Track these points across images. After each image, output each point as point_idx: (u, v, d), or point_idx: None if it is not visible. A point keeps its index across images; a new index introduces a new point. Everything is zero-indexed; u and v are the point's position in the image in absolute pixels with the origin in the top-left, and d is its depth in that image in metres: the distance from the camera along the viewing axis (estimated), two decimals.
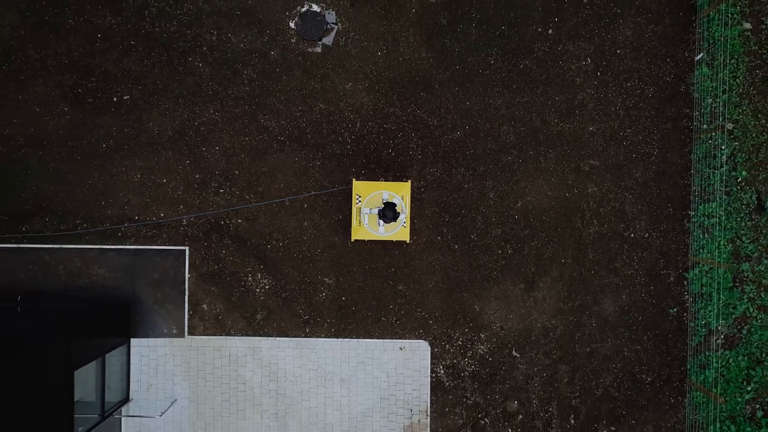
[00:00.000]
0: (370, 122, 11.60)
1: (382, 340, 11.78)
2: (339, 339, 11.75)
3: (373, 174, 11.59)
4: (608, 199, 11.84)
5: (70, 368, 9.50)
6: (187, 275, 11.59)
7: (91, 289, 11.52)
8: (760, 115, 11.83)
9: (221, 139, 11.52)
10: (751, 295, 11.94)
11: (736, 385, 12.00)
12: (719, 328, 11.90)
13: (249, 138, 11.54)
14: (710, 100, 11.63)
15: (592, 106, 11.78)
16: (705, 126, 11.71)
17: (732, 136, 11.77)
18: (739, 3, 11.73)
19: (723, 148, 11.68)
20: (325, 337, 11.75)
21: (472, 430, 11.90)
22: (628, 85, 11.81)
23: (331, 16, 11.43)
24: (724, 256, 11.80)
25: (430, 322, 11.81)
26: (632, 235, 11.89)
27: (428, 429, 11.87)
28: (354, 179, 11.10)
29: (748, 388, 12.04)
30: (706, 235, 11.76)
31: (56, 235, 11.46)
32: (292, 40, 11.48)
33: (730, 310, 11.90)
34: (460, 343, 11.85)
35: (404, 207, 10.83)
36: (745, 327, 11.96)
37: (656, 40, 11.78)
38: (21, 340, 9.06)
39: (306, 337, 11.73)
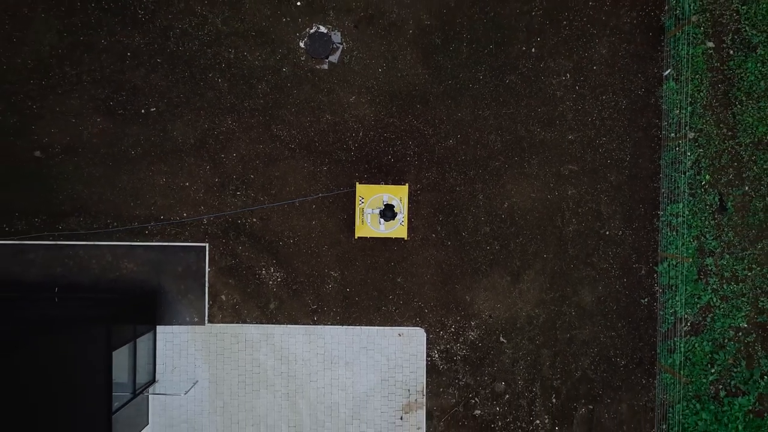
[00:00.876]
0: (372, 131, 12.92)
1: (382, 328, 13.09)
2: (344, 326, 13.07)
3: (375, 178, 12.91)
4: (585, 200, 13.17)
5: (109, 349, 10.79)
6: (207, 269, 12.90)
7: (121, 282, 12.83)
8: (721, 125, 13.17)
9: (238, 147, 12.84)
10: (714, 286, 13.27)
11: (701, 368, 13.33)
12: (685, 316, 13.23)
13: (263, 146, 12.86)
14: (677, 112, 12.97)
15: (571, 117, 13.12)
16: (672, 134, 13.05)
17: (696, 144, 13.11)
18: (703, 24, 13.07)
19: (688, 154, 13.03)
20: (331, 325, 13.06)
21: (463, 408, 13.22)
22: (604, 97, 13.14)
23: (336, 37, 12.76)
24: (690, 251, 13.13)
25: (426, 311, 13.13)
26: (607, 233, 13.23)
27: (424, 408, 13.19)
28: (357, 183, 12.41)
29: (712, 371, 13.38)
30: (674, 233, 13.09)
31: (89, 233, 12.76)
32: (301, 58, 12.80)
33: (696, 300, 13.24)
34: (452, 330, 13.17)
35: (402, 208, 12.15)
36: (709, 315, 13.30)
37: (628, 58, 13.12)
38: (66, 324, 10.35)
39: (314, 324, 13.05)
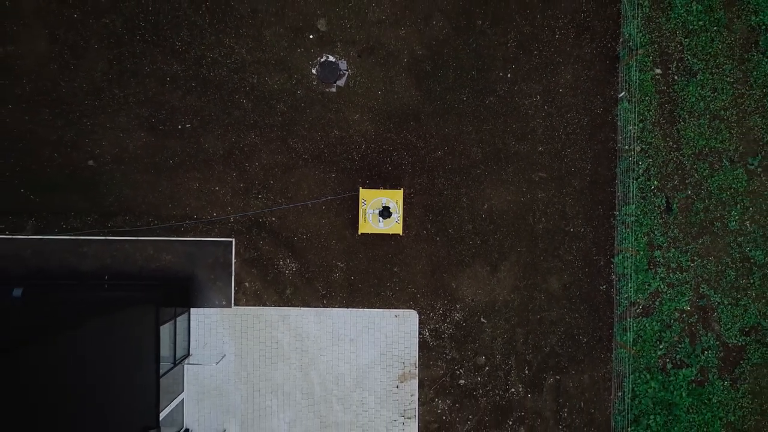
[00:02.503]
0: (373, 144, 15.31)
1: (381, 310, 15.47)
2: (348, 309, 15.44)
3: (375, 183, 15.29)
4: (553, 202, 15.58)
5: (158, 325, 13.14)
6: (233, 260, 15.27)
7: (161, 271, 15.17)
8: (668, 139, 15.60)
9: (260, 157, 15.21)
10: (662, 275, 15.69)
11: (650, 344, 15.75)
12: (637, 300, 15.65)
13: (281, 156, 15.24)
14: (630, 128, 15.38)
15: (540, 132, 15.52)
16: (626, 147, 15.46)
17: (646, 155, 15.53)
18: (651, 54, 15.50)
19: (639, 163, 15.45)
20: (338, 308, 15.43)
21: (450, 378, 15.61)
22: (568, 115, 15.55)
23: (343, 65, 15.15)
24: (641, 245, 15.55)
25: (418, 296, 15.51)
26: (571, 230, 15.64)
27: (416, 378, 15.56)
28: (360, 187, 14.79)
29: (660, 347, 15.79)
30: (627, 230, 15.50)
31: (134, 229, 15.11)
32: (313, 83, 15.19)
33: (646, 287, 15.65)
34: (441, 312, 15.56)
35: (398, 208, 14.52)
36: (657, 300, 15.71)
37: (589, 82, 15.53)
38: (122, 305, 12.67)
39: (323, 307, 15.42)
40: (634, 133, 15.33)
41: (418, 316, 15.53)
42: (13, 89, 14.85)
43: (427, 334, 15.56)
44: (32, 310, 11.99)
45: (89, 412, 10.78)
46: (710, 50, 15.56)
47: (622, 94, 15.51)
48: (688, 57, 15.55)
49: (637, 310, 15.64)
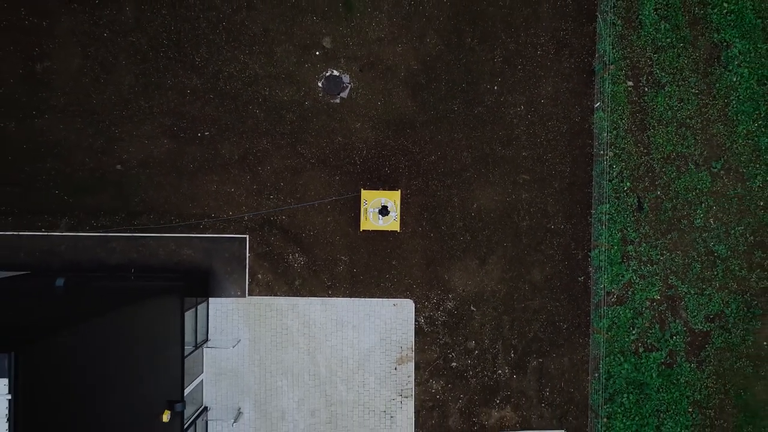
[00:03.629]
0: (373, 150, 16.98)
1: (381, 299, 17.13)
2: (351, 298, 17.10)
3: (375, 185, 16.95)
4: (535, 201, 17.26)
5: (182, 311, 14.79)
6: (247, 255, 16.92)
7: (182, 264, 16.82)
8: (639, 144, 17.29)
9: (271, 162, 16.88)
10: (634, 267, 17.37)
11: (624, 330, 17.42)
12: (612, 290, 17.32)
13: (290, 161, 16.90)
14: (605, 134, 17.07)
15: (524, 138, 17.21)
16: (601, 152, 17.15)
17: (620, 159, 17.22)
18: (624, 68, 17.19)
19: (613, 166, 17.14)
20: (341, 297, 17.09)
21: (443, 361, 17.28)
22: (549, 123, 17.23)
23: (346, 78, 16.82)
24: (615, 240, 17.23)
25: (414, 286, 17.18)
26: (552, 227, 17.32)
27: (413, 361, 17.22)
28: (362, 189, 16.45)
29: (633, 332, 17.46)
30: (603, 227, 17.18)
31: (158, 227, 16.74)
32: (319, 95, 16.86)
33: (620, 278, 17.33)
34: (434, 301, 17.22)
35: (395, 208, 16.18)
36: (630, 290, 17.39)
37: (567, 93, 17.22)
38: (151, 294, 14.29)
39: (329, 297, 17.08)
40: (608, 140, 17.01)
41: (414, 304, 17.19)
42: (50, 101, 16.49)
43: (423, 321, 17.22)
44: (73, 298, 13.60)
45: (127, 386, 12.42)
46: (677, 65, 17.26)
47: (598, 104, 17.20)
48: (657, 71, 17.24)
49: (612, 299, 17.31)
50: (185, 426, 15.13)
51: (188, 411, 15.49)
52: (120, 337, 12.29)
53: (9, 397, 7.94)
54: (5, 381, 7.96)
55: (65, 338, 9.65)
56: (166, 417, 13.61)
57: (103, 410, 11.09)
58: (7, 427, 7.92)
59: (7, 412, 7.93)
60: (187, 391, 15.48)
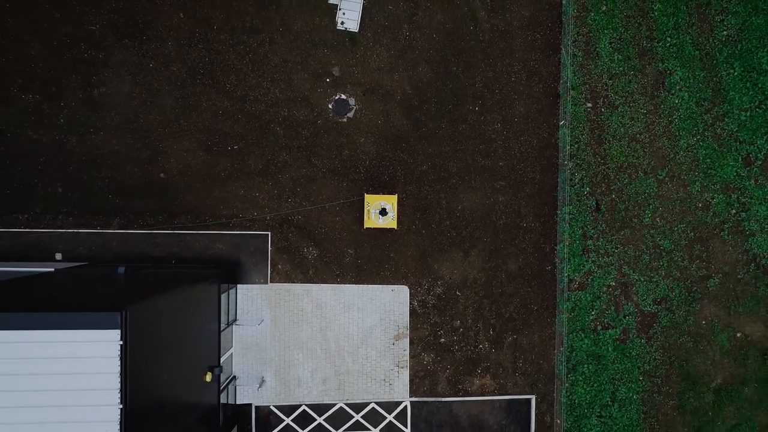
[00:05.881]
0: (374, 161, 20.32)
1: (381, 286, 20.45)
2: (357, 285, 20.41)
3: (376, 190, 20.28)
4: (511, 204, 20.62)
5: (219, 294, 18.09)
6: (269, 248, 20.22)
7: (215, 256, 20.11)
8: (597, 156, 20.66)
9: (290, 171, 20.20)
10: (593, 259, 20.74)
11: (584, 311, 20.78)
12: (574, 278, 20.68)
13: (305, 170, 20.23)
14: (568, 148, 20.44)
15: (501, 151, 20.57)
16: (565, 162, 20.52)
17: (580, 168, 20.59)
18: (584, 92, 20.58)
19: (575, 174, 20.50)
20: (348, 284, 20.40)
21: (433, 337, 20.60)
22: (522, 138, 20.61)
23: (351, 101, 20.16)
24: (577, 236, 20.58)
25: (409, 275, 20.51)
26: (524, 225, 20.67)
27: (408, 337, 20.54)
28: (365, 193, 19.76)
29: (592, 313, 20.81)
30: (566, 225, 20.55)
31: (195, 225, 20.03)
32: (330, 115, 20.20)
33: (581, 267, 20.69)
34: (426, 287, 20.55)
35: (393, 209, 19.51)
36: (590, 277, 20.76)
37: (537, 113, 20.60)
38: (194, 281, 17.54)
39: (337, 283, 20.39)
40: (570, 152, 20.38)
41: (408, 290, 20.51)
42: (105, 120, 19.78)
43: (416, 304, 20.54)
44: (135, 281, 16.87)
45: (183, 349, 15.71)
46: (628, 89, 20.65)
47: (562, 122, 20.57)
48: (612, 94, 20.63)
49: (574, 285, 20.66)
50: (220, 388, 18.42)
51: (221, 378, 18.77)
52: (179, 312, 15.57)
53: (121, 342, 11.24)
54: (118, 331, 11.26)
55: (150, 305, 12.95)
56: (208, 377, 16.91)
57: (171, 364, 14.39)
58: (119, 363, 11.22)
59: (119, 351, 11.22)
60: (221, 360, 18.76)
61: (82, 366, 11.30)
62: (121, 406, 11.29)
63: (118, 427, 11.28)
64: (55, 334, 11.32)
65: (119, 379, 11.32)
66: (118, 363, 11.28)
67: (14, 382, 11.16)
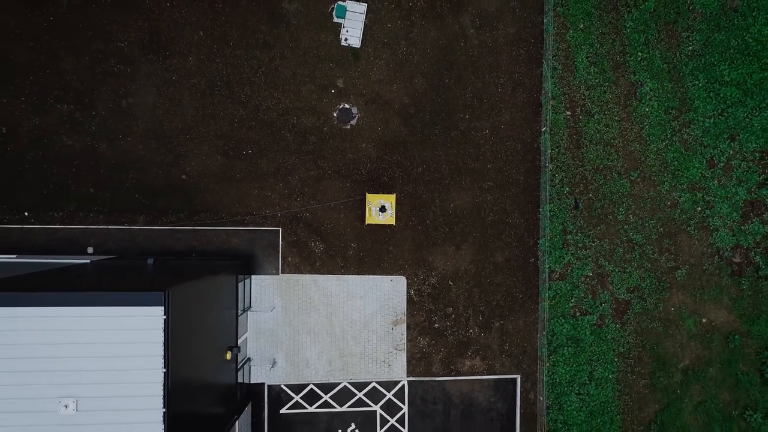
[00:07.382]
0: (375, 164, 22.55)
1: (381, 276, 22.67)
2: (359, 275, 22.63)
3: (376, 190, 22.51)
4: (498, 202, 22.87)
5: (237, 283, 20.29)
6: (280, 242, 22.42)
7: (231, 250, 22.30)
8: (575, 159, 22.93)
9: (298, 172, 22.41)
10: (572, 252, 22.99)
11: (564, 299, 23.02)
12: (555, 269, 22.91)
13: (313, 172, 22.45)
14: (549, 151, 22.70)
15: (489, 154, 22.82)
16: (547, 164, 22.77)
17: (560, 170, 22.85)
18: (563, 101, 22.84)
19: (555, 175, 22.77)
20: (351, 275, 22.62)
21: (428, 323, 22.83)
22: (508, 143, 22.87)
23: (354, 110, 22.40)
24: (557, 231, 22.83)
25: (406, 266, 22.74)
26: (510, 221, 22.93)
27: (405, 323, 22.76)
28: (366, 193, 21.98)
29: (571, 301, 23.05)
30: (548, 221, 22.79)
31: (213, 222, 22.23)
32: (335, 122, 22.43)
33: (561, 259, 22.94)
34: (421, 277, 22.78)
35: (392, 207, 21.73)
36: (569, 268, 23.01)
37: (521, 120, 22.87)
38: (214, 271, 19.73)
39: (342, 274, 22.61)
40: (551, 155, 22.62)
41: (406, 280, 22.73)
42: (132, 128, 21.98)
43: (412, 292, 22.76)
44: (160, 272, 19.06)
45: (208, 330, 17.90)
46: (603, 99, 22.92)
47: (544, 128, 22.82)
48: (588, 103, 22.89)
49: (555, 276, 22.90)
50: (237, 368, 20.62)
51: (238, 358, 20.95)
52: (204, 297, 17.77)
53: (164, 317, 13.46)
54: (162, 308, 13.48)
55: (185, 288, 15.16)
56: (228, 355, 19.11)
57: (198, 342, 16.59)
58: (163, 335, 13.43)
59: (163, 325, 13.44)
60: (238, 342, 20.94)
61: (131, 337, 13.51)
62: (164, 370, 13.49)
63: (162, 387, 13.48)
64: (108, 309, 13.53)
65: (163, 348, 13.53)
66: (162, 335, 13.48)
67: (77, 349, 13.37)
